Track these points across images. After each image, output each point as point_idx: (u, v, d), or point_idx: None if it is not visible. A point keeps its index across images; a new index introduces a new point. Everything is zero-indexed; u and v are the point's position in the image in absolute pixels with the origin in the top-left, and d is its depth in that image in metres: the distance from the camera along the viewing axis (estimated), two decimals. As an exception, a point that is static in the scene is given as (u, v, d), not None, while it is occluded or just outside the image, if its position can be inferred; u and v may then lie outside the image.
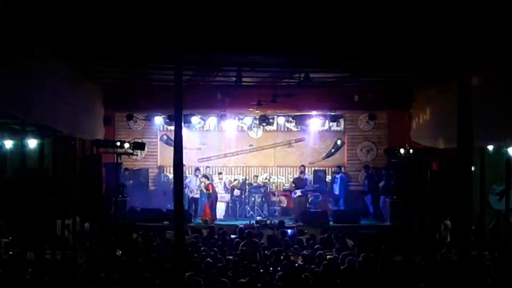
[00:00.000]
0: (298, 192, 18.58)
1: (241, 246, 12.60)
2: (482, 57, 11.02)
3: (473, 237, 12.62)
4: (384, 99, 17.70)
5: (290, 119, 19.71)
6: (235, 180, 19.76)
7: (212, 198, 18.30)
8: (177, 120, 11.28)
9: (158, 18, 9.78)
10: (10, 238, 13.15)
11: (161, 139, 19.95)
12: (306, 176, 19.12)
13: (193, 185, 18.34)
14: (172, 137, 13.54)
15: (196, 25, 9.94)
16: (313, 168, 19.94)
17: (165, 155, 19.39)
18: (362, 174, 19.82)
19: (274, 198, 19.44)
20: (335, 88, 16.81)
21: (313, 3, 9.61)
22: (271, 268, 11.22)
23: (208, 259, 10.97)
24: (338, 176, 19.32)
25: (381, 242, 12.37)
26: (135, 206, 18.50)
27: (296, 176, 19.33)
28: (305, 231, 14.76)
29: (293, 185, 18.88)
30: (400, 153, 17.20)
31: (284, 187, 19.97)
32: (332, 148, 20.22)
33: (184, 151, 11.50)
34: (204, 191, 18.38)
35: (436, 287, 9.85)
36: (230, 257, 11.77)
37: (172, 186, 13.68)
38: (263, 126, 19.36)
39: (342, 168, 19.77)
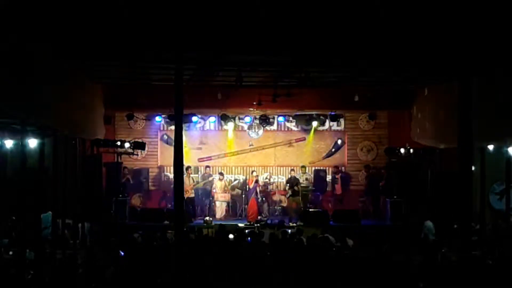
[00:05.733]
0: (289, 192, 18.54)
1: (244, 246, 12.58)
2: (482, 57, 11.03)
3: (476, 237, 12.65)
4: (384, 99, 17.72)
5: (290, 119, 19.73)
6: (235, 180, 19.75)
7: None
8: (177, 120, 11.26)
9: (159, 17, 9.79)
10: (10, 238, 13.14)
11: (161, 139, 19.95)
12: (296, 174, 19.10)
13: (186, 185, 17.34)
14: (172, 137, 13.55)
15: (196, 25, 9.95)
16: (313, 168, 19.94)
17: (166, 155, 19.40)
18: (362, 174, 19.81)
19: (274, 198, 19.44)
20: (335, 88, 16.82)
21: (313, 3, 9.61)
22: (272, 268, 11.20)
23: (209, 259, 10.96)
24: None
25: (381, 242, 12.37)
26: (135, 206, 18.53)
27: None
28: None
29: (287, 185, 18.85)
30: (400, 153, 17.22)
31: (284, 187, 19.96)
32: (333, 147, 20.22)
33: (184, 150, 11.51)
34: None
35: (436, 287, 9.85)
36: (231, 257, 11.75)
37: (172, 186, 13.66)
38: (263, 126, 19.36)
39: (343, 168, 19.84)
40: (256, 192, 18.37)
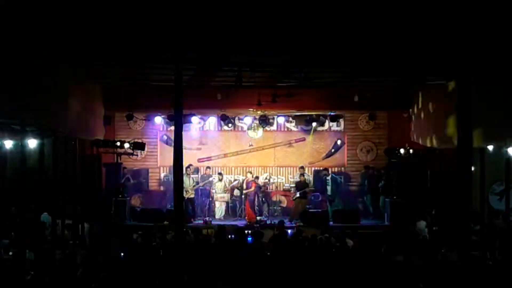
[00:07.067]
0: (297, 194, 18.51)
1: (244, 246, 12.59)
2: (482, 57, 11.03)
3: (476, 238, 12.65)
4: (384, 99, 17.71)
5: (290, 119, 19.73)
6: (235, 180, 19.75)
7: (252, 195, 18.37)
8: (177, 120, 11.28)
9: (158, 17, 9.79)
10: (10, 238, 13.14)
11: (161, 139, 19.96)
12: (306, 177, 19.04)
13: (186, 185, 17.40)
14: (172, 137, 13.55)
15: (196, 24, 9.94)
16: (313, 168, 19.95)
17: (165, 155, 19.41)
18: (362, 174, 19.79)
19: (274, 198, 19.44)
20: (335, 88, 16.82)
21: (313, 3, 9.61)
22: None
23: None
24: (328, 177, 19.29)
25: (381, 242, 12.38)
26: (135, 206, 18.52)
27: (297, 179, 19.19)
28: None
29: (296, 189, 18.81)
30: (400, 153, 17.23)
31: (284, 187, 19.97)
32: (332, 148, 20.23)
33: (184, 151, 11.51)
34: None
35: (436, 287, 9.85)
36: (231, 257, 11.75)
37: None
38: (263, 126, 19.36)
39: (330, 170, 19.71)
40: (256, 193, 18.37)
